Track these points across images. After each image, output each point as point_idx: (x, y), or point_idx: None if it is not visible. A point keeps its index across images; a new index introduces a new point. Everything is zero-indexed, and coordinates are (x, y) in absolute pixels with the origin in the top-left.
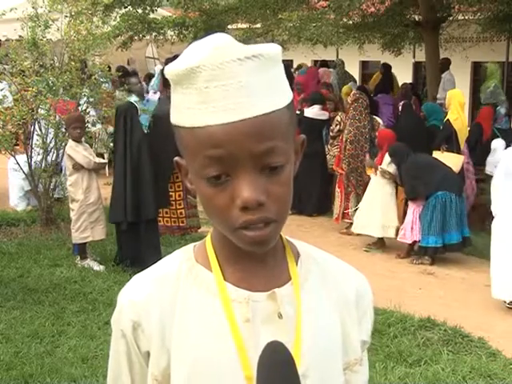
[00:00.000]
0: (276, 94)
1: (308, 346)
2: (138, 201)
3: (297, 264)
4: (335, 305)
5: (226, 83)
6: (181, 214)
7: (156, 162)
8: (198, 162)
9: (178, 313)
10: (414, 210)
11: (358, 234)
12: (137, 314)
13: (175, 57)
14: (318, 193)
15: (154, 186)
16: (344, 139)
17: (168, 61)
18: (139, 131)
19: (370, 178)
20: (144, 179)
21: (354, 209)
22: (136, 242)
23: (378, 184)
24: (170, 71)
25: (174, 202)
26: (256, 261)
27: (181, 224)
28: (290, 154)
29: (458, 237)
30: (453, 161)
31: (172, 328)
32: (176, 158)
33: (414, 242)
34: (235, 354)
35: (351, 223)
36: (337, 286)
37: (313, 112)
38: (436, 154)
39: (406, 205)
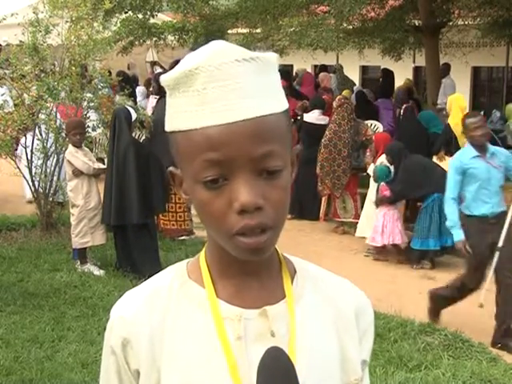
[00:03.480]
0: (273, 98)
1: (302, 365)
2: (121, 205)
3: (292, 281)
4: (332, 323)
5: (224, 84)
6: (188, 216)
7: (156, 166)
8: (195, 166)
9: (169, 330)
10: (384, 213)
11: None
12: (126, 331)
13: (177, 62)
14: (318, 197)
15: (140, 192)
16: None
17: (173, 65)
18: (126, 137)
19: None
20: (128, 184)
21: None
22: (129, 246)
23: (373, 189)
24: (168, 77)
25: (181, 205)
26: (250, 276)
27: (186, 227)
28: (287, 160)
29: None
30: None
31: (162, 345)
32: (170, 168)
33: (384, 245)
34: (227, 372)
35: (342, 222)
36: (334, 304)
37: (313, 117)
38: (436, 161)
39: (406, 209)
